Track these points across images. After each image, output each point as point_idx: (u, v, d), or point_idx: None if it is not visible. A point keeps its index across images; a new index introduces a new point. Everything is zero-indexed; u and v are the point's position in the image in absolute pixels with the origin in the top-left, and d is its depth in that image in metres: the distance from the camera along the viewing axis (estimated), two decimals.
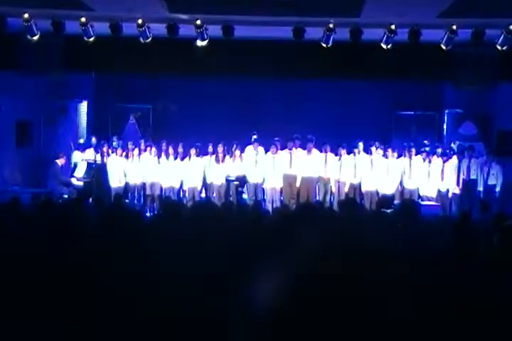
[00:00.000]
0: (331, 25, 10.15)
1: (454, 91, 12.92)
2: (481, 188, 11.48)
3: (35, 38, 10.56)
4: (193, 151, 11.88)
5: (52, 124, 13.35)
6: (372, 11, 9.41)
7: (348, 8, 9.44)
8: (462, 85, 11.37)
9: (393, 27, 10.07)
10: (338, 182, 11.74)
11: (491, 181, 11.38)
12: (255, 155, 11.94)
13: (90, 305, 2.56)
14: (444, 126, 13.96)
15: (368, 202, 11.48)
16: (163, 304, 2.48)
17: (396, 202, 10.29)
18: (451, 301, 2.35)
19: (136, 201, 12.27)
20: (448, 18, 9.74)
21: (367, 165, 11.73)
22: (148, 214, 11.59)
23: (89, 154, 12.36)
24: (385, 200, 9.81)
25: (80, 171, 12.07)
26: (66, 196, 11.21)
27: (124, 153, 12.16)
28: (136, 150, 12.14)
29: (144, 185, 12.20)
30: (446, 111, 13.86)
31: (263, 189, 12.00)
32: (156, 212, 11.59)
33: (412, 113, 14.08)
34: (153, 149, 12.11)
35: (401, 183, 11.77)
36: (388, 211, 7.51)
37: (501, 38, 10.32)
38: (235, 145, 11.95)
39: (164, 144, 12.09)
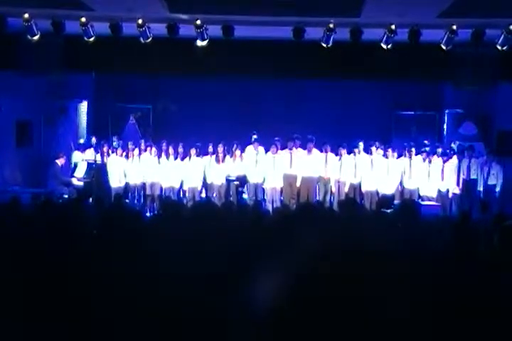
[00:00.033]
0: (331, 25, 10.14)
1: (454, 92, 12.92)
2: (481, 188, 11.47)
3: (36, 37, 10.55)
4: (193, 151, 11.87)
5: (52, 124, 13.34)
6: (372, 11, 9.41)
7: (348, 8, 9.43)
8: (462, 85, 11.36)
9: (393, 27, 10.07)
10: (338, 182, 11.73)
11: (491, 181, 11.38)
12: (255, 155, 11.94)
13: (90, 305, 2.56)
14: (444, 126, 13.96)
15: (368, 202, 11.48)
16: (163, 304, 2.48)
17: (396, 202, 10.29)
18: (451, 301, 2.35)
19: (136, 201, 12.27)
20: (448, 18, 9.74)
21: (367, 165, 11.73)
22: (148, 214, 11.59)
23: (90, 154, 12.37)
24: (385, 200, 9.80)
25: (80, 171, 12.08)
26: (66, 196, 11.21)
27: (124, 153, 12.16)
28: (137, 151, 12.14)
29: (144, 185, 12.20)
30: (447, 111, 13.86)
31: (263, 189, 12.00)
32: (156, 212, 11.58)
33: (412, 113, 14.07)
34: (154, 149, 12.11)
35: (401, 183, 11.76)
36: (388, 211, 7.51)
37: (501, 37, 10.32)
38: (235, 145, 11.95)
39: (164, 144, 12.09)
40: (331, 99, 14.08)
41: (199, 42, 10.67)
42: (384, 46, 10.51)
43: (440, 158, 11.74)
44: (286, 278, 1.76)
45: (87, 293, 2.64)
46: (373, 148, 11.81)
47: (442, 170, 11.66)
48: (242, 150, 12.02)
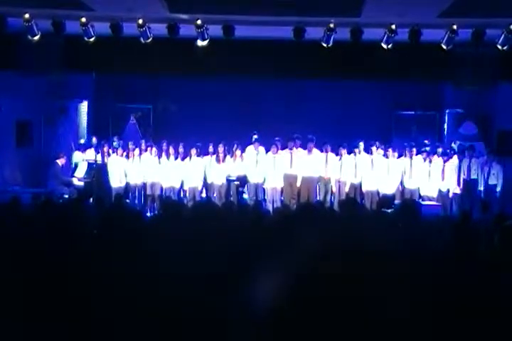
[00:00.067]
0: (332, 25, 10.14)
1: (455, 91, 12.92)
2: (481, 188, 11.47)
3: (36, 38, 10.56)
4: (193, 151, 11.87)
5: (52, 124, 13.34)
6: (372, 11, 9.41)
7: (349, 8, 9.43)
8: (462, 85, 11.36)
9: (393, 27, 10.07)
10: (339, 182, 11.73)
11: (492, 181, 11.37)
12: (256, 155, 11.93)
13: (90, 305, 2.56)
14: (445, 126, 13.96)
15: (368, 202, 11.48)
16: (163, 304, 2.48)
17: (396, 201, 10.29)
18: (451, 301, 2.35)
19: (136, 201, 12.27)
20: (448, 17, 9.73)
21: (367, 165, 11.72)
22: (148, 214, 11.60)
23: (90, 154, 12.37)
24: (386, 200, 9.81)
25: (81, 171, 12.08)
26: (66, 196, 11.22)
27: (125, 153, 12.17)
28: (137, 150, 12.15)
29: (144, 185, 12.20)
30: (447, 111, 13.86)
31: (264, 189, 12.00)
32: (156, 212, 11.59)
33: (413, 113, 14.08)
34: (154, 149, 12.11)
35: (401, 183, 11.76)
36: (389, 211, 7.51)
37: (502, 37, 10.32)
38: (235, 145, 11.95)
39: (165, 144, 12.09)
40: (331, 99, 14.08)
41: (199, 42, 10.67)
42: (384, 46, 10.51)
43: (440, 158, 11.74)
44: (286, 278, 1.76)
45: (87, 293, 2.64)
46: (374, 148, 11.81)
47: (443, 170, 11.66)
48: (243, 150, 12.01)
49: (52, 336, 2.46)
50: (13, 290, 2.69)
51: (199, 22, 10.23)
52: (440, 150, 12.02)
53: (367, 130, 13.06)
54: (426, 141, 13.11)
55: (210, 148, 11.92)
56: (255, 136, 12.57)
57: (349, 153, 11.79)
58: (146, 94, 14.50)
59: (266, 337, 1.74)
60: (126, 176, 12.06)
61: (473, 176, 11.51)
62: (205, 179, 11.95)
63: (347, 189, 11.69)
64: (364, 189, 11.72)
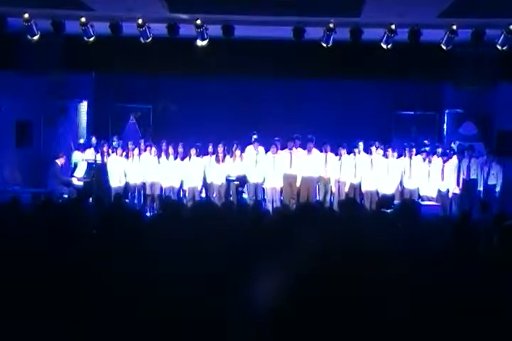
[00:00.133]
0: (331, 25, 10.14)
1: (454, 91, 12.92)
2: (481, 188, 11.47)
3: (36, 37, 10.55)
4: (193, 151, 11.88)
5: (52, 124, 13.34)
6: (372, 11, 9.41)
7: (348, 8, 9.43)
8: (462, 85, 11.36)
9: (393, 27, 10.07)
10: (339, 182, 11.74)
11: (491, 181, 11.38)
12: (255, 155, 11.94)
13: (90, 305, 2.56)
14: (444, 126, 13.96)
15: (368, 202, 11.48)
16: (163, 304, 2.48)
17: (396, 202, 10.29)
18: (451, 301, 2.35)
19: (136, 201, 12.28)
20: (448, 18, 9.73)
21: (367, 165, 11.73)
22: (148, 214, 11.59)
23: (90, 154, 12.37)
24: (385, 200, 9.80)
25: (80, 171, 12.08)
26: (66, 196, 11.21)
27: (124, 153, 12.17)
28: (137, 150, 12.15)
29: (144, 184, 12.20)
30: (447, 111, 13.86)
31: (263, 189, 12.00)
32: (156, 211, 11.59)
33: (412, 113, 14.08)
34: (154, 149, 12.11)
35: (401, 183, 11.76)
36: (388, 211, 7.51)
37: (501, 37, 10.32)
38: (235, 145, 11.95)
39: (164, 144, 12.10)
40: (331, 99, 14.08)
41: (199, 42, 10.67)
42: (384, 46, 10.51)
43: (440, 158, 11.75)
44: (286, 278, 1.76)
45: (87, 293, 2.64)
46: (373, 148, 11.81)
47: (442, 170, 11.66)
48: (242, 150, 12.02)
49: (52, 336, 2.46)
50: (13, 290, 2.69)
51: (199, 22, 10.23)
52: (440, 150, 12.02)
53: (366, 130, 13.06)
54: (425, 141, 13.10)
55: (210, 148, 11.92)
56: (255, 136, 12.57)
57: (349, 153, 11.80)
58: (145, 94, 14.50)
59: (266, 337, 1.74)
60: (125, 176, 12.06)
61: (473, 176, 11.51)
62: (204, 179, 11.95)
63: (346, 189, 11.69)
64: (364, 189, 11.72)
